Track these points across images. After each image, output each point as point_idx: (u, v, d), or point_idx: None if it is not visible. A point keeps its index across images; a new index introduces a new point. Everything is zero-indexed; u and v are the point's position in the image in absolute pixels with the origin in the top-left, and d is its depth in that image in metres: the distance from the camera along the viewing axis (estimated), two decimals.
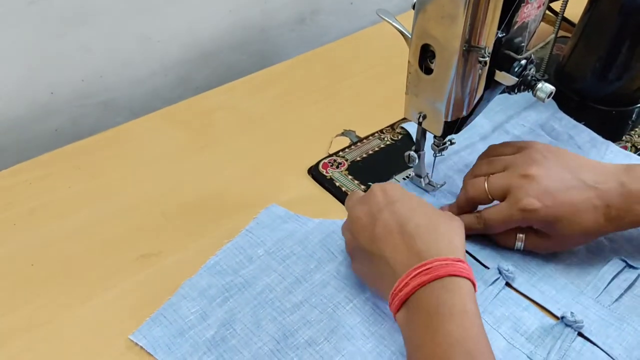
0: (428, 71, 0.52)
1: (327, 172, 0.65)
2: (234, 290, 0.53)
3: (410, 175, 0.63)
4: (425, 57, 0.52)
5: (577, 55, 0.76)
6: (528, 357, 0.49)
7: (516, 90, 0.52)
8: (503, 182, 0.53)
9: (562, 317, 0.50)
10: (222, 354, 0.49)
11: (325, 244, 0.57)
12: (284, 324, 0.51)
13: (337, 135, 0.71)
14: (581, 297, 0.54)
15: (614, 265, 0.55)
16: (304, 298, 0.53)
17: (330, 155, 0.68)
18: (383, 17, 0.55)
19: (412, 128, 0.71)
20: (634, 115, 0.75)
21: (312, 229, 0.58)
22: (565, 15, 0.72)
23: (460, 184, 0.63)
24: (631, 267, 0.55)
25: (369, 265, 0.50)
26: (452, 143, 0.58)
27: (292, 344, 0.49)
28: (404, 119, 0.72)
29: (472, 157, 0.66)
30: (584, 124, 0.72)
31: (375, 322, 0.51)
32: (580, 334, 0.51)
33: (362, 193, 0.54)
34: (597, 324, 0.51)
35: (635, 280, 0.55)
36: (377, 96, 0.78)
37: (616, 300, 0.53)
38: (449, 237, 0.47)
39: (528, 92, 0.51)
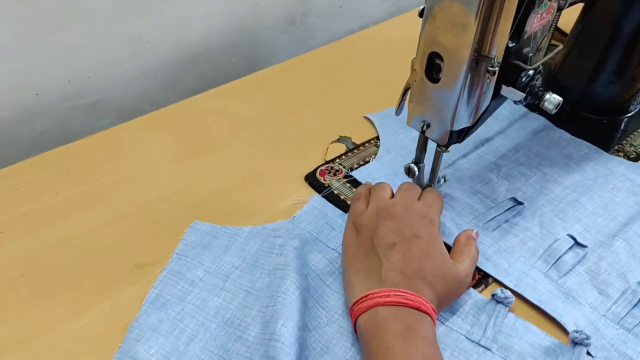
0: (434, 79, 0.51)
1: (324, 180, 0.64)
2: (188, 319, 0.50)
3: None
4: (432, 65, 0.51)
5: (569, 64, 0.76)
6: (466, 337, 0.51)
7: (523, 101, 0.51)
8: None
9: (493, 295, 0.53)
10: None
11: (264, 249, 0.56)
12: (250, 340, 0.49)
13: (332, 142, 0.70)
14: (532, 270, 0.56)
15: (564, 242, 0.58)
16: (262, 306, 0.51)
17: (327, 162, 0.67)
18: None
19: (374, 117, 0.73)
20: (624, 125, 0.75)
21: (246, 239, 0.57)
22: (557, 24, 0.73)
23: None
24: (579, 245, 0.58)
25: (366, 250, 0.51)
26: (447, 150, 0.58)
27: (265, 354, 0.47)
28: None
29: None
30: (574, 134, 0.72)
31: (315, 316, 0.51)
32: (531, 304, 0.53)
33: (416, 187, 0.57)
34: (545, 296, 0.54)
35: (582, 258, 0.57)
36: (370, 101, 0.77)
37: (564, 275, 0.56)
38: (447, 294, 0.51)
39: (535, 103, 0.51)
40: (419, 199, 0.56)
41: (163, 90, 0.81)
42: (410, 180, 0.61)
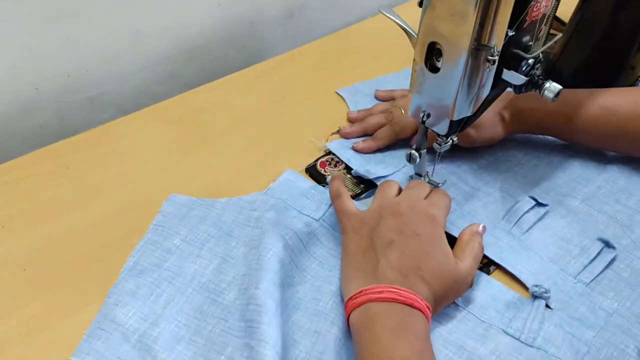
0: (434, 69, 0.51)
1: (325, 171, 0.64)
2: (165, 284, 0.52)
3: (411, 175, 0.63)
4: (432, 55, 0.51)
5: (568, 53, 0.76)
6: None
7: (523, 89, 0.51)
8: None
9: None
10: (174, 347, 0.48)
11: (240, 221, 0.58)
12: (225, 304, 0.51)
13: (333, 134, 0.70)
14: (495, 230, 0.59)
15: (525, 202, 0.61)
16: (236, 273, 0.53)
17: (327, 154, 0.67)
18: (386, 14, 0.53)
19: (345, 93, 0.75)
20: None
21: (222, 210, 0.59)
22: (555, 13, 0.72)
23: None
24: (540, 204, 0.61)
25: (365, 248, 0.51)
26: (454, 142, 0.58)
27: (241, 318, 0.49)
28: None
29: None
30: None
31: (289, 274, 0.53)
32: (493, 263, 0.56)
33: (425, 186, 0.56)
34: (507, 252, 0.57)
35: (543, 215, 0.60)
36: None
37: (526, 231, 0.59)
38: (445, 293, 0.50)
39: (535, 91, 0.51)
40: (426, 197, 0.55)
41: (162, 83, 0.81)
42: (412, 165, 0.61)
